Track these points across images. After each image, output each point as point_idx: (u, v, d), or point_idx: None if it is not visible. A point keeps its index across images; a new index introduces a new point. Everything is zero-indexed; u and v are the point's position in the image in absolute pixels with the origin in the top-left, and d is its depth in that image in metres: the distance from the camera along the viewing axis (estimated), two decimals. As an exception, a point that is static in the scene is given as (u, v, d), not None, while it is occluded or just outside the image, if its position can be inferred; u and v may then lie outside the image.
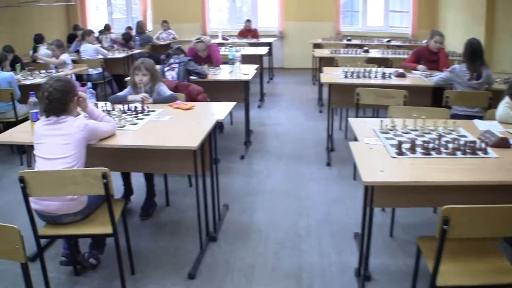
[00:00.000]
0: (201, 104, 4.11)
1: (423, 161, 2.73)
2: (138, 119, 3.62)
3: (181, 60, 5.40)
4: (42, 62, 7.35)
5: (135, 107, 3.79)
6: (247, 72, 5.71)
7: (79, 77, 7.90)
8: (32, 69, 6.70)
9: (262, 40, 10.22)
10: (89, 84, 4.12)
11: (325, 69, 5.98)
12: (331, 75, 5.47)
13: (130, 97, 4.21)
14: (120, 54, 8.83)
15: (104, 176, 2.66)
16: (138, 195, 4.35)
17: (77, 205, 2.90)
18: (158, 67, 5.70)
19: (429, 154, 2.80)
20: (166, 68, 5.42)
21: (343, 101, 5.32)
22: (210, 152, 3.55)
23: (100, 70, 7.94)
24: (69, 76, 6.82)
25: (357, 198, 4.21)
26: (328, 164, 5.21)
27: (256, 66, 6.35)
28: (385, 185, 2.62)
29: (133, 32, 10.41)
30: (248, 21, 10.77)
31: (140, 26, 10.25)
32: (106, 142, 3.12)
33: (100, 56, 8.24)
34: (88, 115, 3.28)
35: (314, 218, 4.03)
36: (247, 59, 7.20)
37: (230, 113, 6.76)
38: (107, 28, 10.49)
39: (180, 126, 3.44)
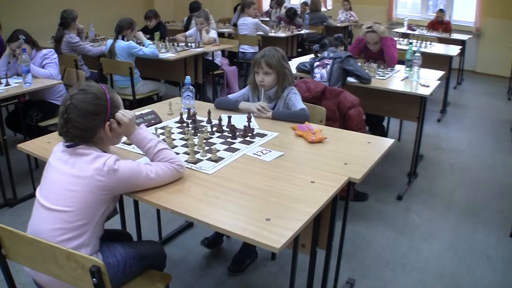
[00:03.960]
0: (340, 134, 2.55)
1: None
2: (228, 148, 2.25)
3: (337, 55, 3.88)
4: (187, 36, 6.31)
5: (233, 127, 2.41)
6: (428, 83, 4.00)
7: (232, 55, 6.84)
8: (173, 40, 5.71)
9: (454, 36, 8.11)
10: (187, 78, 2.81)
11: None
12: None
13: (242, 105, 2.86)
14: (283, 33, 7.53)
15: (94, 274, 1.40)
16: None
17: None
18: (307, 59, 4.29)
19: None
20: (316, 63, 3.95)
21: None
22: (331, 222, 2.10)
23: (257, 49, 6.72)
24: (211, 52, 5.68)
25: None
26: (513, 235, 3.40)
27: (442, 73, 4.55)
28: None
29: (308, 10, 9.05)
30: (441, 11, 8.62)
31: (315, 3, 8.64)
32: (144, 195, 1.80)
33: (260, 33, 7.04)
34: (134, 144, 1.99)
35: None
36: (433, 60, 5.47)
37: (400, 126, 5.23)
38: (278, 3, 9.23)
39: (286, 179, 1.94)
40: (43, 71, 3.89)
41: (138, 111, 2.66)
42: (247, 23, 6.93)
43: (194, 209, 1.68)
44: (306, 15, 8.35)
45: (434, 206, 3.81)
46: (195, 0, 7.31)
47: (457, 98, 7.50)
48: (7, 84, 3.65)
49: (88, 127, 1.75)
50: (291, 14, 8.28)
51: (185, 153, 2.15)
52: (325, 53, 3.97)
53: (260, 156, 2.15)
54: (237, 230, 1.54)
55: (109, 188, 1.72)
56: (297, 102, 2.81)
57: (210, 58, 5.81)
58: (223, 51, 6.65)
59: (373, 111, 4.20)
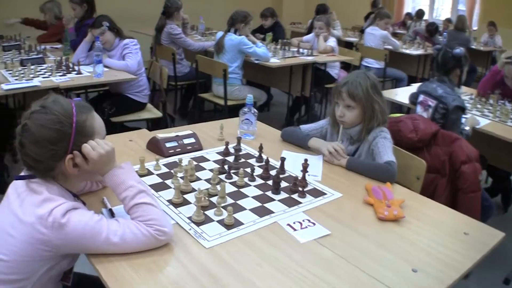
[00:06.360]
0: (426, 210, 1.75)
1: None
2: (258, 208, 1.59)
3: (445, 98, 2.90)
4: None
5: (278, 176, 1.74)
6: None
7: (356, 68, 6.10)
8: (288, 43, 5.14)
9: None
10: (249, 98, 2.22)
11: None
12: None
13: (312, 142, 2.18)
14: (415, 50, 6.59)
15: None
16: None
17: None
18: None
19: None
20: (420, 98, 3.08)
21: None
22: None
23: (382, 64, 5.91)
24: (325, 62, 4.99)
25: None
26: None
27: None
28: None
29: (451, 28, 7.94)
30: None
31: (462, 21, 7.43)
32: (98, 261, 1.26)
33: (388, 47, 6.21)
34: (111, 187, 1.42)
35: None
36: None
37: None
38: (418, 15, 8.22)
39: (309, 284, 1.24)
40: (118, 63, 3.62)
41: (176, 131, 2.11)
42: (374, 34, 6.12)
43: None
44: (445, 33, 7.28)
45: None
46: (322, 3, 6.62)
47: None
48: (79, 73, 3.37)
49: (43, 157, 1.27)
50: (432, 30, 7.22)
51: (196, 205, 1.56)
52: (434, 85, 3.09)
53: (295, 230, 1.48)
54: None
55: (52, 245, 1.22)
56: (384, 151, 2.06)
57: (323, 69, 5.13)
58: (346, 64, 5.94)
59: (497, 164, 3.32)
